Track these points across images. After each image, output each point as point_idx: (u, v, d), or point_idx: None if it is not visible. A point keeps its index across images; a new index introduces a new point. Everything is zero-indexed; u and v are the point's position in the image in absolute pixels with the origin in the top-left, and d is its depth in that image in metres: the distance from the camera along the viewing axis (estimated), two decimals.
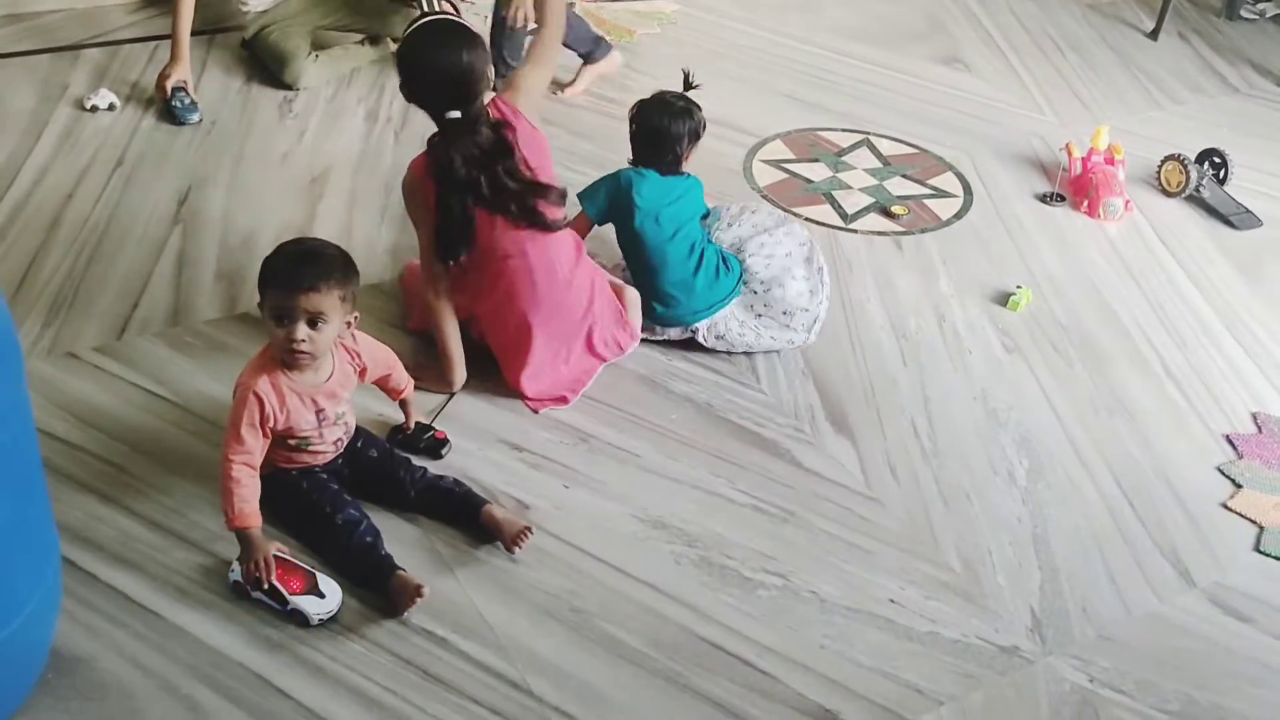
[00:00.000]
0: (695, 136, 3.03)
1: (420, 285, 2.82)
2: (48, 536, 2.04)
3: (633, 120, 3.06)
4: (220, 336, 2.93)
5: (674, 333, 3.04)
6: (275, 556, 2.27)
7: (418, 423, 2.65)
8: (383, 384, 2.58)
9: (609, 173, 3.08)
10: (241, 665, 2.18)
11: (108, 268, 3.13)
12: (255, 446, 2.29)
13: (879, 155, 4.04)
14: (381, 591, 2.31)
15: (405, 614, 2.28)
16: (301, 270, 2.26)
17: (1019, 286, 3.39)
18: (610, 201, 3.02)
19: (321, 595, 2.25)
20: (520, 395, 2.82)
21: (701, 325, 3.02)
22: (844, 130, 4.10)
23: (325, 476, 2.45)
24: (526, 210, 2.70)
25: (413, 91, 2.68)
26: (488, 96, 2.71)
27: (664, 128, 2.99)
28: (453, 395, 2.80)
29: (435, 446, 2.62)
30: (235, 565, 2.30)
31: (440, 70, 2.60)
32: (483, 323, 2.84)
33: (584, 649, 2.28)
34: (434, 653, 2.24)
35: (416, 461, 2.55)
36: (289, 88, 3.98)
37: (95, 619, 2.23)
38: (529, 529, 2.42)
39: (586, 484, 2.63)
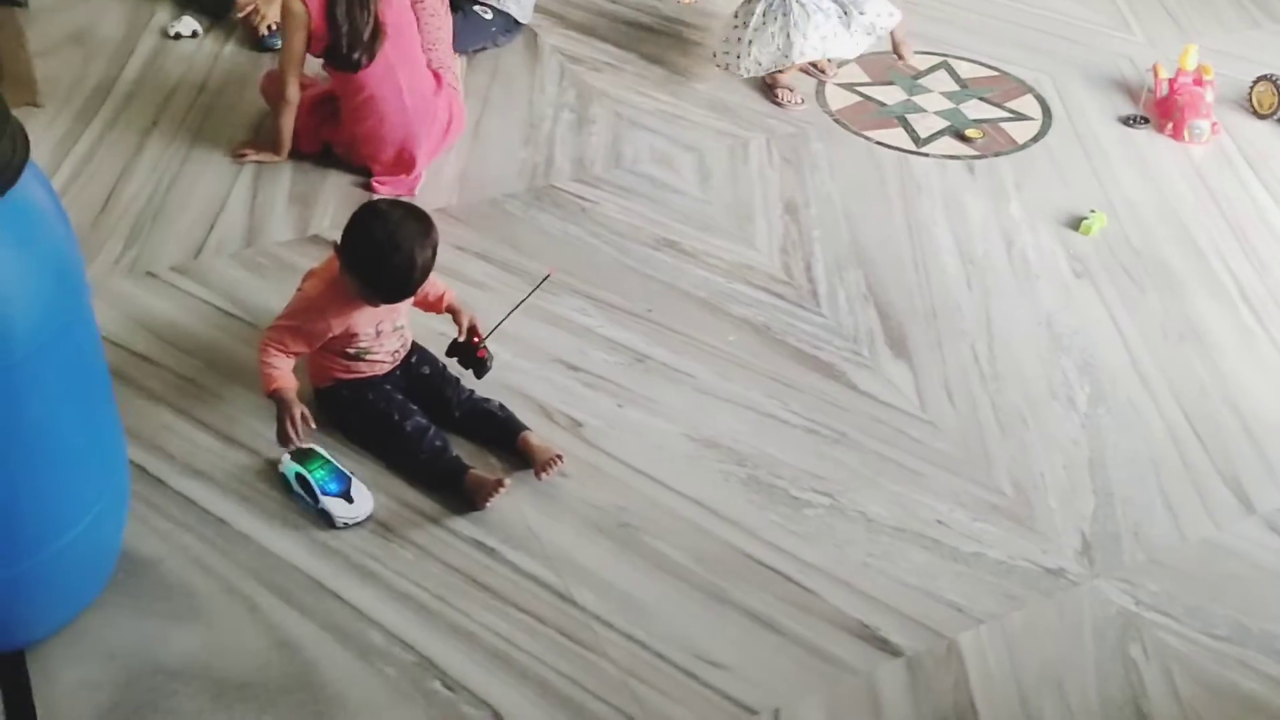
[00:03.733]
0: None
1: (275, 87, 3.27)
2: (115, 442, 2.14)
3: None
4: (291, 258, 3.02)
5: None
6: (316, 452, 2.37)
7: (463, 341, 2.64)
8: (423, 301, 2.61)
9: None
10: (298, 569, 2.28)
11: (187, 191, 3.23)
12: (294, 347, 2.42)
13: (957, 78, 3.96)
14: (457, 491, 2.39)
15: (487, 505, 2.36)
16: (418, 284, 2.41)
17: (1092, 211, 3.31)
18: None
19: (350, 500, 2.34)
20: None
21: None
22: (922, 53, 4.02)
23: (389, 387, 2.52)
24: (370, 39, 3.09)
25: None
26: None
27: None
28: (506, 315, 2.77)
29: (478, 364, 2.62)
30: (284, 458, 2.40)
31: None
32: (364, 147, 3.26)
33: (629, 562, 2.34)
34: (482, 562, 2.31)
35: (465, 382, 2.61)
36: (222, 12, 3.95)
37: (163, 523, 2.34)
38: (559, 457, 2.47)
39: (640, 403, 2.67)
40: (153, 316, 2.82)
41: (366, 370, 2.50)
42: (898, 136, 3.64)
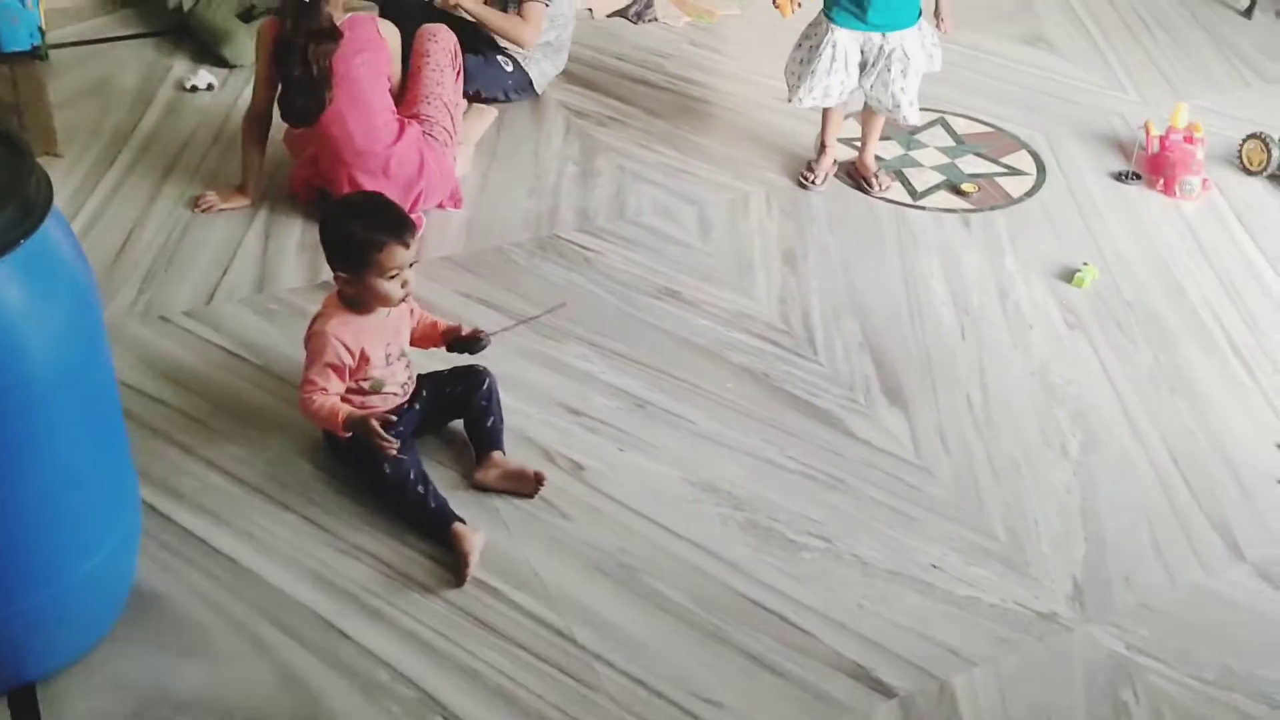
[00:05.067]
0: None
1: (292, 142, 3.43)
2: (128, 482, 2.20)
3: None
4: (301, 304, 3.09)
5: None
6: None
7: (465, 336, 2.64)
8: (420, 330, 2.66)
9: None
10: (305, 606, 2.32)
11: (200, 238, 3.31)
12: (332, 387, 2.46)
13: (953, 134, 4.05)
14: (443, 542, 2.44)
15: (466, 574, 2.37)
16: (402, 226, 2.47)
17: (1085, 264, 3.39)
18: None
19: None
20: None
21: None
22: (919, 109, 4.11)
23: (398, 426, 2.52)
24: (314, 91, 3.19)
25: None
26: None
27: None
28: (518, 323, 2.83)
29: (474, 343, 2.62)
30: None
31: None
32: (332, 190, 3.32)
33: (629, 602, 2.38)
34: (486, 601, 2.36)
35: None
36: (228, 65, 4.08)
37: (174, 561, 2.40)
38: (540, 475, 2.56)
39: (640, 447, 2.73)
40: (165, 359, 2.89)
41: (380, 406, 2.55)
42: (894, 190, 3.72)
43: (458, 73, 3.53)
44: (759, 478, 2.68)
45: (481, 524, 2.49)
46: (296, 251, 3.29)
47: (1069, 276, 3.37)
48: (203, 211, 3.39)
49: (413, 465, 2.51)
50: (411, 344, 2.64)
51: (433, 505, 2.47)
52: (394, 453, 2.44)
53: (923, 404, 2.92)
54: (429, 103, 3.41)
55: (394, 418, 2.48)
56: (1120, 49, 4.66)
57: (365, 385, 2.53)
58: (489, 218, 3.48)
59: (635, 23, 4.60)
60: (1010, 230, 3.58)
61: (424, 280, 3.17)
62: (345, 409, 2.45)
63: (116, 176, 3.53)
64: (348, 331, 2.47)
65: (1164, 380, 3.05)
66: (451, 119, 3.46)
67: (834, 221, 3.57)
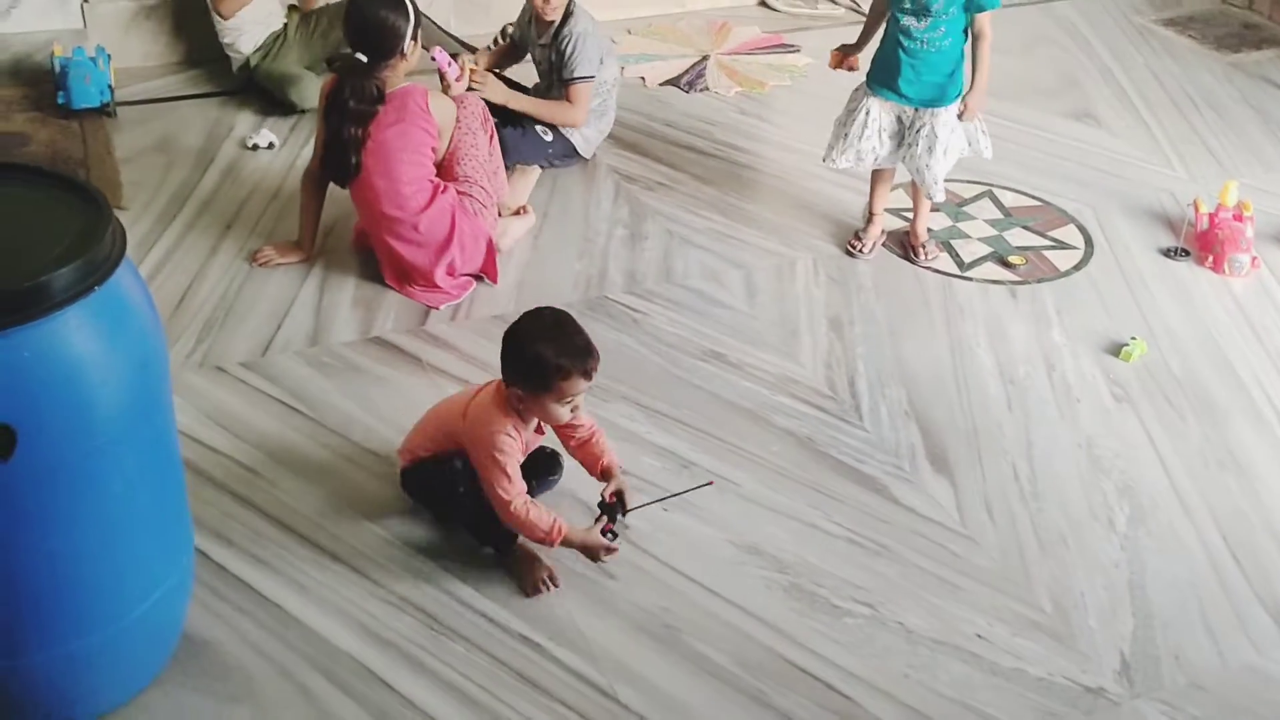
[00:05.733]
0: None
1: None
2: (183, 526, 2.24)
3: None
4: (354, 357, 3.14)
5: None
6: None
7: (611, 505, 2.64)
8: (578, 442, 2.67)
9: None
10: (351, 656, 2.35)
11: (257, 291, 3.38)
12: (520, 483, 2.48)
13: (1000, 206, 4.08)
14: (507, 554, 2.52)
15: (535, 594, 2.48)
16: (588, 356, 2.47)
17: (1133, 338, 3.38)
18: None
19: None
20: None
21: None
22: (967, 181, 4.15)
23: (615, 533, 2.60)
24: (345, 153, 3.27)
25: (345, 28, 3.37)
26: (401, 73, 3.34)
27: None
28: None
29: (610, 510, 2.62)
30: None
31: (363, 18, 3.28)
32: (371, 240, 3.46)
33: (672, 662, 2.38)
34: (529, 656, 2.37)
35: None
36: (297, 109, 4.20)
37: (224, 608, 2.43)
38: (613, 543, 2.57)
39: (685, 508, 2.74)
40: (220, 409, 2.94)
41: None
42: (943, 261, 3.74)
43: (490, 136, 3.55)
44: (803, 542, 2.69)
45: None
46: (350, 306, 3.35)
47: (1116, 350, 3.37)
48: (260, 265, 3.46)
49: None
50: (569, 452, 2.68)
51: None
52: (616, 551, 2.54)
53: (968, 473, 2.92)
54: (463, 165, 3.45)
55: (614, 531, 2.56)
56: (1168, 126, 4.68)
57: None
58: (539, 278, 3.53)
59: (687, 91, 4.68)
60: (1057, 303, 3.59)
61: (475, 338, 3.23)
62: (567, 527, 2.48)
63: (178, 230, 3.62)
64: (515, 431, 2.49)
65: (1213, 456, 3.04)
66: (488, 178, 3.50)
67: (881, 290, 3.60)
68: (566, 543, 2.48)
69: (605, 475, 2.64)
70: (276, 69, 4.27)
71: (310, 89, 4.13)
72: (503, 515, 2.47)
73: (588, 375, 2.45)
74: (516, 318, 2.54)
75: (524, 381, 2.45)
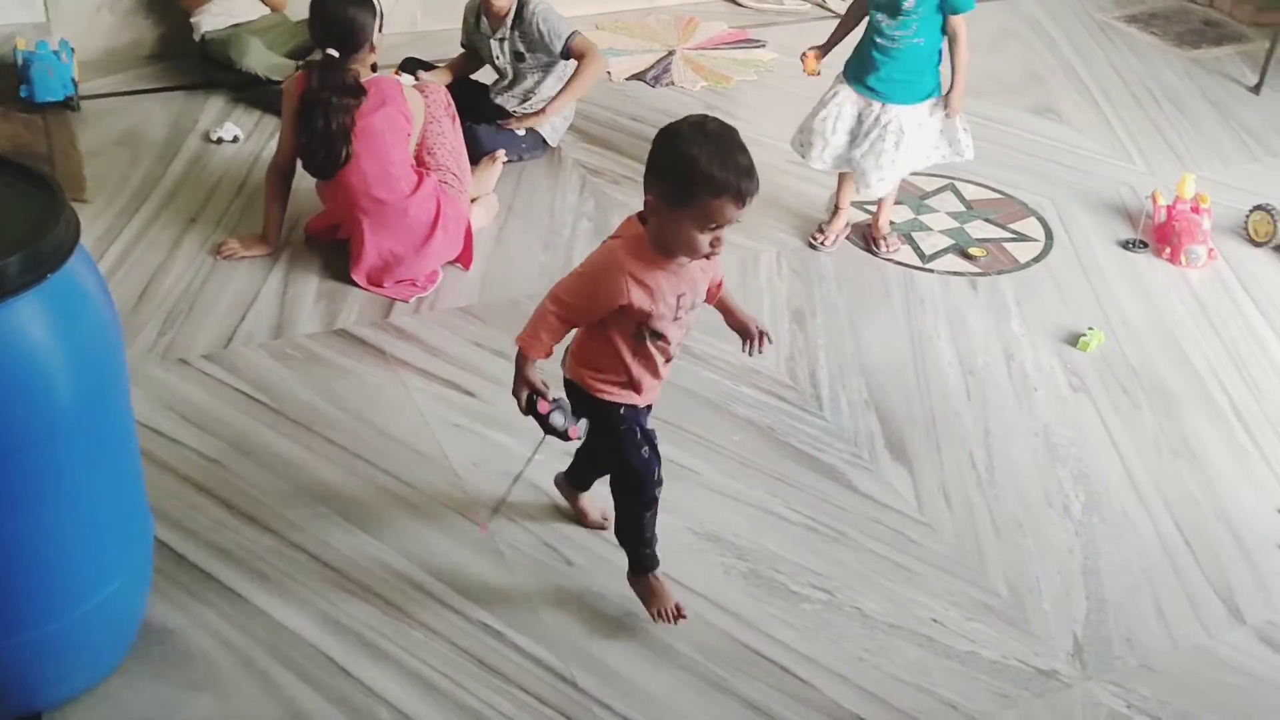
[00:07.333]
0: None
1: (322, 191, 3.47)
2: (140, 518, 2.24)
3: None
4: (318, 350, 3.15)
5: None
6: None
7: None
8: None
9: None
10: (311, 645, 2.36)
11: (221, 284, 3.38)
12: (576, 317, 2.23)
13: (962, 199, 4.12)
14: (636, 574, 2.45)
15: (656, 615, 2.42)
16: (751, 182, 2.09)
17: (1090, 328, 3.43)
18: None
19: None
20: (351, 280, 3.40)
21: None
22: (929, 174, 4.19)
23: (652, 429, 2.38)
24: (333, 145, 3.27)
25: (311, 28, 3.42)
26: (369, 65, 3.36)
27: None
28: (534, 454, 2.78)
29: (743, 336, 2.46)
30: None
31: (330, 15, 3.29)
32: (347, 230, 3.46)
33: (630, 648, 2.41)
34: (489, 644, 2.39)
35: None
36: (238, 69, 4.21)
37: (185, 597, 2.43)
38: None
39: None
40: (183, 401, 2.95)
41: (634, 397, 2.32)
42: (904, 253, 3.78)
43: (453, 118, 3.62)
44: (762, 529, 2.71)
45: (487, 566, 2.54)
46: (315, 299, 3.35)
47: (1074, 341, 3.41)
48: (224, 258, 3.46)
49: (657, 464, 2.36)
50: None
51: (649, 534, 2.42)
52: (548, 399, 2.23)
53: (926, 461, 2.96)
54: (433, 153, 3.50)
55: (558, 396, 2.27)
56: (1129, 121, 4.73)
57: (634, 338, 2.25)
58: (504, 270, 3.55)
59: (653, 86, 4.70)
60: (1017, 294, 3.63)
61: (440, 330, 3.24)
62: (538, 377, 2.21)
63: (142, 223, 3.62)
64: (641, 270, 2.15)
65: (1167, 444, 3.08)
66: (457, 164, 3.56)
67: (842, 282, 3.63)
68: (519, 359, 2.23)
69: (743, 332, 2.44)
70: (223, 37, 4.30)
71: (254, 52, 4.20)
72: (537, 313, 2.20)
73: (742, 200, 2.06)
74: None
75: (665, 185, 2.09)
